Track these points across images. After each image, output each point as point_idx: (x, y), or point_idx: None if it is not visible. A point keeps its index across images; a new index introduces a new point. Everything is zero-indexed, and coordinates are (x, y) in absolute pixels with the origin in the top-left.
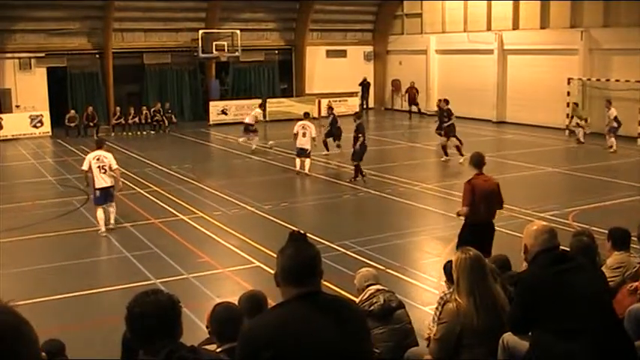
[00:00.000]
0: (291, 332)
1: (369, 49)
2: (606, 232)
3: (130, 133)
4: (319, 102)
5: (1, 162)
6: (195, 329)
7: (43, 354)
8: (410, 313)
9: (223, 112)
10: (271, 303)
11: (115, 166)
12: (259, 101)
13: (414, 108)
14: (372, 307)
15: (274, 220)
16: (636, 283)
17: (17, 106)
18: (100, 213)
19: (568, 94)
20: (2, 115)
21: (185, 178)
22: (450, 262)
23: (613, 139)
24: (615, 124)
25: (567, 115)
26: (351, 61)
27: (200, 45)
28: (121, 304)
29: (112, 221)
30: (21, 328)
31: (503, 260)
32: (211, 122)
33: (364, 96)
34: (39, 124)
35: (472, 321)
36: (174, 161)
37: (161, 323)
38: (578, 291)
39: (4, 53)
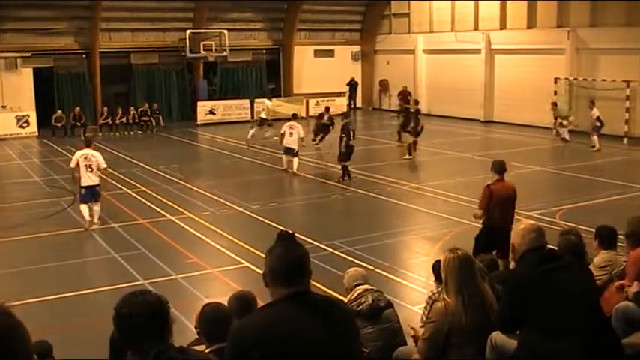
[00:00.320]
0: (280, 332)
1: (357, 49)
2: (593, 230)
3: (117, 134)
4: (307, 102)
5: None
6: (184, 330)
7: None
8: (398, 312)
9: (211, 112)
10: (260, 303)
11: (103, 165)
12: (247, 101)
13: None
14: (360, 307)
15: (262, 220)
16: (623, 281)
17: (3, 107)
18: (84, 207)
19: (555, 93)
20: None
21: (173, 179)
22: (438, 261)
23: (596, 138)
24: (598, 124)
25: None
26: (339, 60)
27: (188, 45)
28: (109, 305)
29: (97, 220)
30: (17, 328)
31: (492, 259)
32: (199, 122)
33: (352, 96)
34: (25, 125)
35: (460, 320)
36: (161, 161)
37: (149, 324)
38: (566, 290)
39: None
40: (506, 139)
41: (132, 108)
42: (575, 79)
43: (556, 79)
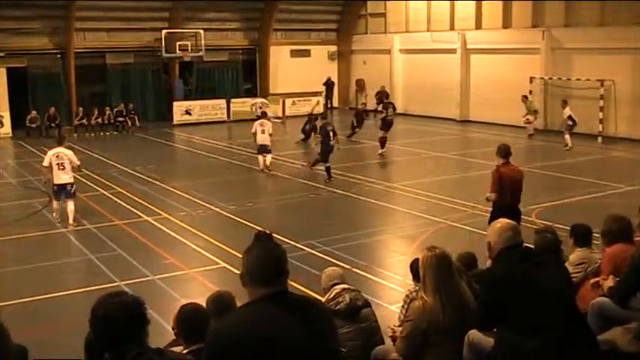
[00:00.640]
0: (258, 332)
1: (333, 48)
2: (568, 228)
3: (92, 134)
4: (284, 102)
5: None
6: (162, 331)
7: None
8: (376, 311)
9: (187, 113)
10: (239, 303)
11: (77, 162)
12: (223, 101)
13: (380, 108)
14: (338, 306)
15: (239, 220)
16: (598, 278)
17: None
18: (55, 204)
19: (530, 92)
20: None
21: (149, 179)
22: (416, 260)
23: (568, 137)
24: (570, 123)
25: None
26: (316, 60)
27: (163, 45)
28: (85, 307)
29: (71, 221)
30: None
31: (469, 258)
32: (175, 122)
33: (328, 95)
34: None
35: (438, 318)
36: (138, 162)
37: (126, 326)
38: (543, 287)
39: None
40: (482, 138)
41: (107, 108)
42: (550, 78)
43: (531, 79)
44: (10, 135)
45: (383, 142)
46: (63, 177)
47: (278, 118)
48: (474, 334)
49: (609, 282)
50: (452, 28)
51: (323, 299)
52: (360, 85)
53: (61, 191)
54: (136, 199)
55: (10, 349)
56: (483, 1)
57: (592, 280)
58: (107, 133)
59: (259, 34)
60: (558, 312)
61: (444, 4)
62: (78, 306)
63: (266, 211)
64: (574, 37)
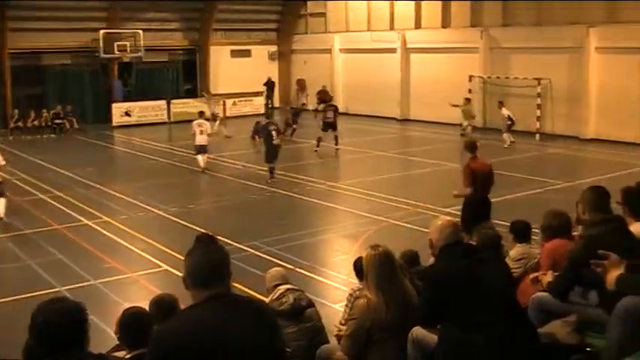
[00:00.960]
0: (202, 335)
1: (274, 48)
2: (508, 225)
3: (29, 137)
4: (224, 102)
5: None
6: (104, 336)
7: None
8: (320, 311)
9: (127, 114)
10: (182, 306)
11: (2, 162)
12: (163, 102)
13: (321, 107)
14: (282, 307)
15: (181, 222)
16: (538, 273)
17: None
18: None
19: (469, 91)
20: None
21: (88, 182)
22: (359, 258)
23: (506, 136)
24: (509, 122)
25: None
26: (256, 60)
27: (101, 45)
28: (24, 314)
29: (2, 215)
30: None
31: (412, 255)
32: (115, 124)
33: (269, 95)
34: None
35: (382, 316)
36: (76, 165)
37: (67, 332)
38: (485, 283)
39: None
40: (422, 136)
41: (44, 110)
42: (489, 77)
43: (470, 77)
44: None
45: (319, 141)
46: None
47: (215, 117)
48: (417, 331)
49: (548, 277)
50: (392, 27)
51: (267, 300)
52: (301, 84)
53: None
54: (76, 202)
55: None
56: (422, 1)
57: (532, 275)
58: (44, 136)
59: (199, 34)
60: (500, 307)
61: (384, 4)
62: (16, 313)
63: (208, 213)
64: (511, 36)
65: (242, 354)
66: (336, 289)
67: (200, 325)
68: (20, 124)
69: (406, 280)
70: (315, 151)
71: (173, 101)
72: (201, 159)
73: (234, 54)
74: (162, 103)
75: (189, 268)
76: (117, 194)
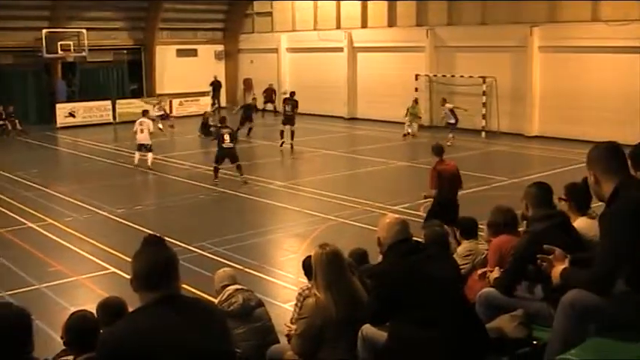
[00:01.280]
0: (151, 337)
1: (220, 47)
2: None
3: None
4: (171, 102)
5: None
6: (50, 341)
7: None
8: (270, 310)
9: (71, 115)
10: (131, 309)
11: None
12: (109, 102)
13: (270, 106)
14: (231, 307)
15: (128, 224)
16: (485, 269)
17: None
18: None
19: (416, 89)
20: None
21: (32, 184)
22: (308, 257)
23: (451, 135)
24: (453, 121)
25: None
26: (202, 60)
27: (44, 45)
28: None
29: None
30: None
31: (360, 253)
32: (59, 125)
33: (215, 96)
34: None
35: (331, 314)
36: (19, 167)
37: (11, 337)
38: (433, 280)
39: None
40: (370, 135)
41: None
42: (435, 75)
43: (417, 76)
44: None
45: (282, 134)
46: None
47: (162, 116)
48: (367, 329)
49: (495, 273)
50: (338, 26)
51: (216, 301)
52: (248, 84)
53: None
54: (19, 205)
55: None
56: (369, 1)
57: (479, 271)
58: None
59: (144, 33)
60: (449, 303)
61: (330, 3)
62: None
63: (155, 214)
64: (457, 35)
65: (191, 356)
66: (285, 289)
67: (149, 328)
68: None
69: (355, 279)
70: (281, 145)
71: (118, 101)
72: (137, 155)
73: (180, 53)
74: (108, 103)
75: (137, 270)
76: (62, 196)
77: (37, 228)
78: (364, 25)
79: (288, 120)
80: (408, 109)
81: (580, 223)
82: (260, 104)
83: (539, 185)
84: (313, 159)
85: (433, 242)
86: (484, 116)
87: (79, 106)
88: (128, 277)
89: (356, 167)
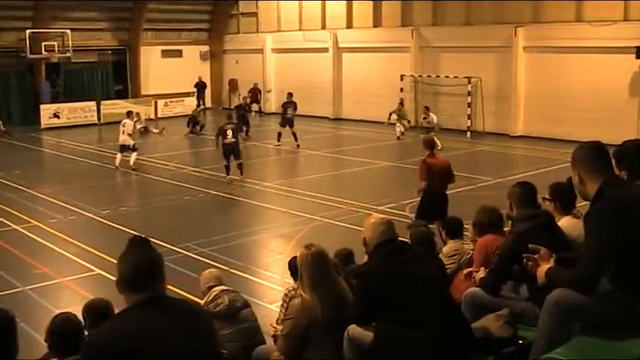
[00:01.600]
0: (136, 339)
1: (205, 48)
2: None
3: None
4: (156, 103)
5: None
6: (34, 344)
7: None
8: (256, 311)
9: (55, 116)
10: (117, 311)
11: None
12: (93, 103)
13: (255, 107)
14: (217, 308)
15: (114, 225)
16: (471, 269)
17: None
18: None
19: (401, 90)
20: None
21: (16, 186)
22: (294, 258)
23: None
24: (432, 126)
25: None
26: (188, 60)
27: (28, 45)
28: None
29: None
30: None
31: (346, 254)
32: (43, 126)
33: (200, 96)
34: None
35: (317, 315)
36: (3, 168)
37: None
38: (419, 279)
39: None
40: (355, 135)
41: None
42: (420, 75)
43: (402, 76)
44: None
45: (280, 136)
46: None
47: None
48: (353, 329)
49: (481, 274)
50: (323, 27)
51: (202, 302)
52: (233, 84)
53: None
54: (2, 207)
55: None
56: (354, 1)
57: (465, 271)
58: None
59: (129, 34)
60: (435, 303)
61: (316, 3)
62: None
63: (140, 215)
64: (442, 35)
65: (177, 357)
66: (271, 289)
67: (134, 329)
68: None
69: (341, 279)
70: (277, 146)
71: (103, 102)
72: (119, 157)
73: (165, 54)
74: (92, 104)
75: (123, 272)
76: (46, 197)
77: (21, 230)
78: (349, 25)
79: (289, 122)
80: (391, 113)
81: (565, 222)
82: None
83: (522, 185)
84: (298, 159)
85: (419, 242)
86: (469, 116)
87: (64, 107)
88: (114, 278)
89: (341, 167)
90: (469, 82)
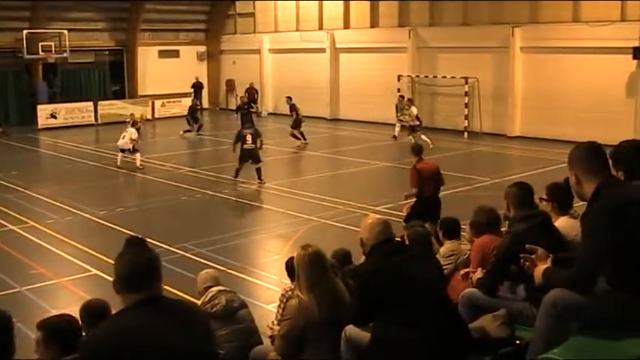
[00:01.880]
0: (133, 339)
1: (202, 48)
2: (438, 222)
3: None
4: (153, 103)
5: None
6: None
7: None
8: (253, 312)
9: (52, 116)
10: (114, 311)
11: None
12: (90, 104)
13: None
14: (214, 309)
15: (111, 225)
16: (468, 269)
17: None
18: None
19: (398, 90)
20: None
21: (13, 186)
22: (291, 259)
23: (416, 137)
24: (417, 122)
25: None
26: (185, 61)
27: (25, 45)
28: None
29: None
30: None
31: (343, 254)
32: (40, 126)
33: (197, 96)
34: None
35: (314, 315)
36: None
37: None
38: (416, 280)
39: None
40: (352, 136)
41: None
42: (417, 76)
43: (399, 77)
44: None
45: (295, 136)
46: None
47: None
48: (350, 330)
49: (478, 274)
50: (321, 27)
51: (199, 302)
52: (230, 85)
53: None
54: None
55: None
56: (351, 1)
57: (462, 271)
58: None
59: (126, 34)
60: (432, 303)
61: (313, 4)
62: None
63: (138, 215)
64: (439, 36)
65: (174, 357)
66: (268, 290)
67: (131, 329)
68: None
69: (338, 280)
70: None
71: (100, 103)
72: (120, 156)
73: (162, 54)
74: (89, 104)
75: (120, 272)
76: (43, 198)
77: (18, 230)
78: (347, 25)
79: (300, 124)
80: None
81: (561, 222)
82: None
83: (519, 185)
84: (296, 160)
85: (416, 243)
86: (466, 117)
87: (61, 108)
88: (111, 279)
89: (338, 168)
90: (466, 83)
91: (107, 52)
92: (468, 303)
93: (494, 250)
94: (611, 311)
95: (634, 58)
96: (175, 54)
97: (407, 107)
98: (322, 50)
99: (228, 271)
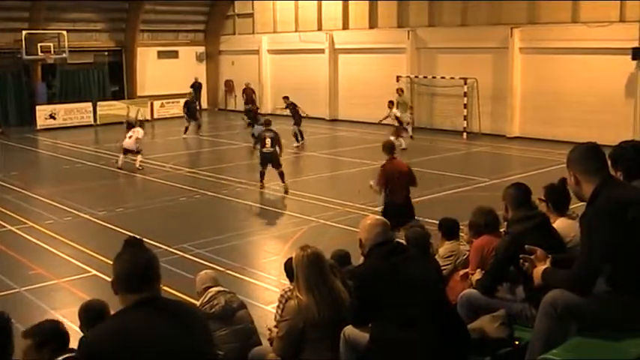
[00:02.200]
0: (132, 340)
1: (201, 49)
2: (437, 222)
3: None
4: (152, 104)
5: None
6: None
7: None
8: (252, 312)
9: (51, 117)
10: (112, 312)
11: None
12: (89, 104)
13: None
14: (213, 309)
15: (109, 226)
16: (467, 270)
17: None
18: None
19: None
20: None
21: (12, 187)
22: (290, 259)
23: (402, 139)
24: (397, 124)
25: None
26: (184, 61)
27: (24, 46)
28: None
29: None
30: None
31: (343, 255)
32: (39, 127)
33: (196, 97)
34: None
35: (314, 316)
36: None
37: None
38: (414, 280)
39: None
40: (351, 136)
41: None
42: (416, 76)
43: (398, 78)
44: None
45: (295, 135)
46: None
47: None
48: (349, 330)
49: (477, 275)
50: (319, 28)
51: (198, 303)
52: (229, 85)
53: None
54: None
55: None
56: (350, 2)
57: (461, 272)
58: None
59: (125, 35)
60: (430, 304)
61: (312, 4)
62: None
63: (137, 216)
64: (438, 36)
65: (172, 358)
66: (267, 291)
67: (130, 330)
68: None
69: (337, 280)
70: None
71: (99, 103)
72: (121, 157)
73: (161, 55)
74: (88, 105)
75: (118, 273)
76: (42, 199)
77: (16, 231)
78: (345, 26)
79: (301, 121)
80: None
81: (560, 223)
82: (241, 106)
83: (517, 186)
84: (294, 161)
85: (415, 243)
86: (465, 117)
87: (60, 108)
88: (109, 279)
89: (337, 169)
90: (465, 83)
91: (106, 53)
92: (466, 304)
93: (493, 251)
94: (610, 312)
95: (633, 58)
96: (174, 54)
97: (389, 107)
98: (321, 51)
99: (227, 271)
